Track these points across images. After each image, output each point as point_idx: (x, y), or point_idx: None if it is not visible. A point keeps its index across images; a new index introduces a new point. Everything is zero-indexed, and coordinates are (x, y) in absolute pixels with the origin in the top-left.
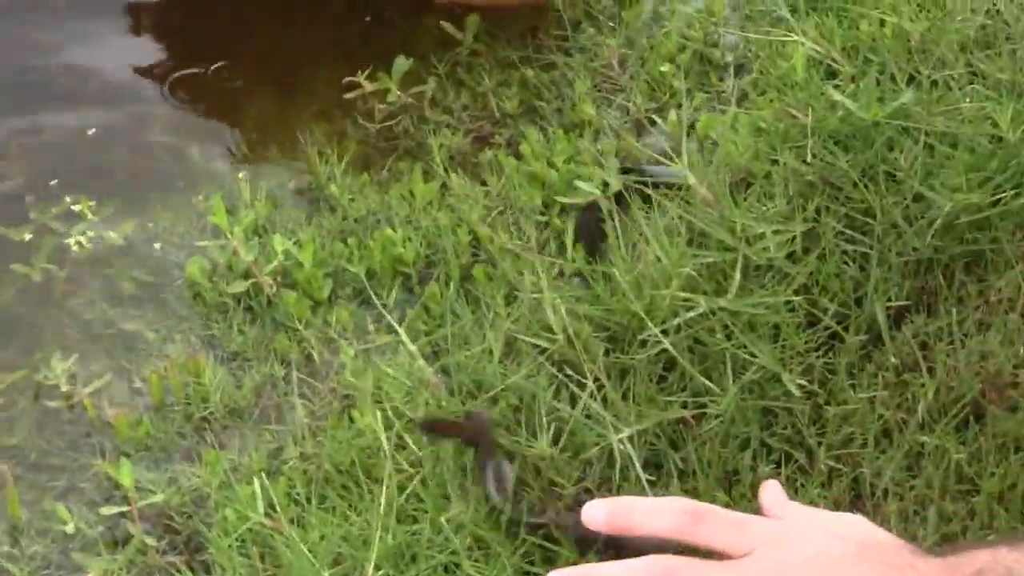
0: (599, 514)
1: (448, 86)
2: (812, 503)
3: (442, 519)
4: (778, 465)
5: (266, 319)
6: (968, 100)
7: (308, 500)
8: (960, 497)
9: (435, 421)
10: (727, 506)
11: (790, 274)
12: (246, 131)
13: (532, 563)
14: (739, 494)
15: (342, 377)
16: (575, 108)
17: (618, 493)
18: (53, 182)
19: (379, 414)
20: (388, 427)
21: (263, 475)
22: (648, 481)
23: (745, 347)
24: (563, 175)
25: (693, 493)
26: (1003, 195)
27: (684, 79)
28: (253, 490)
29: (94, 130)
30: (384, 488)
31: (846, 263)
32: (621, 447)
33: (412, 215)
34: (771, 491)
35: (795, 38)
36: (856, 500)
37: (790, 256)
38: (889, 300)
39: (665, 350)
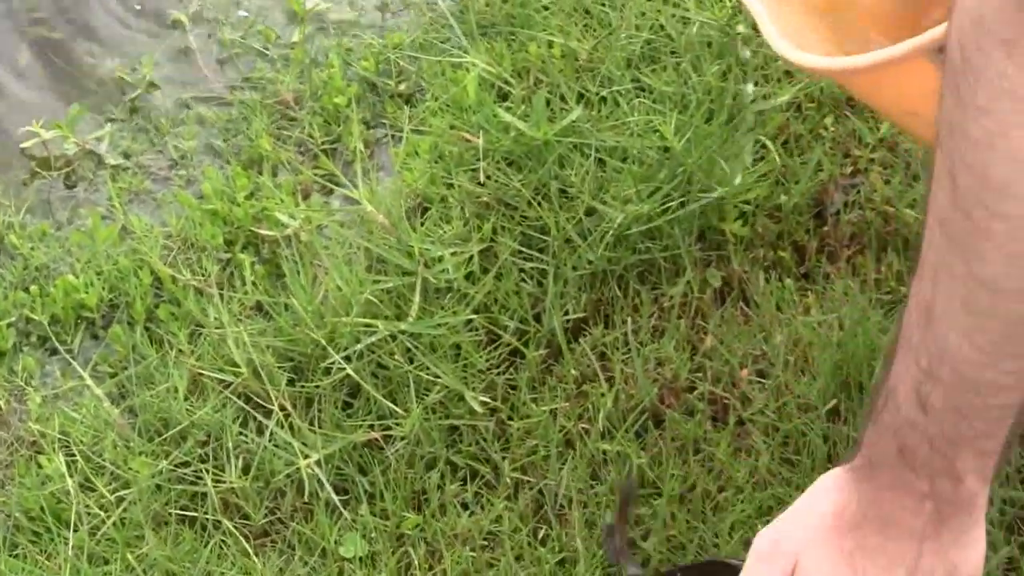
0: None
1: (126, 129)
2: (498, 517)
3: (131, 557)
4: (464, 482)
5: None
6: (635, 114)
7: None
8: (643, 500)
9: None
10: (417, 526)
11: (469, 294)
12: None
13: None
14: (429, 513)
15: (27, 425)
16: (253, 144)
17: (310, 519)
18: None
19: (65, 459)
20: (76, 471)
21: None
22: (339, 503)
23: (428, 368)
24: (245, 210)
25: (383, 515)
26: (671, 203)
27: (356, 109)
28: None
29: None
30: (72, 531)
31: (524, 280)
32: (310, 472)
33: (93, 260)
34: None
35: (467, 59)
36: (539, 510)
37: (468, 276)
38: (567, 313)
39: (349, 376)
